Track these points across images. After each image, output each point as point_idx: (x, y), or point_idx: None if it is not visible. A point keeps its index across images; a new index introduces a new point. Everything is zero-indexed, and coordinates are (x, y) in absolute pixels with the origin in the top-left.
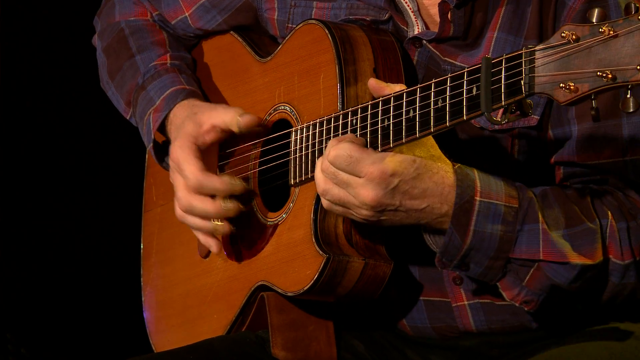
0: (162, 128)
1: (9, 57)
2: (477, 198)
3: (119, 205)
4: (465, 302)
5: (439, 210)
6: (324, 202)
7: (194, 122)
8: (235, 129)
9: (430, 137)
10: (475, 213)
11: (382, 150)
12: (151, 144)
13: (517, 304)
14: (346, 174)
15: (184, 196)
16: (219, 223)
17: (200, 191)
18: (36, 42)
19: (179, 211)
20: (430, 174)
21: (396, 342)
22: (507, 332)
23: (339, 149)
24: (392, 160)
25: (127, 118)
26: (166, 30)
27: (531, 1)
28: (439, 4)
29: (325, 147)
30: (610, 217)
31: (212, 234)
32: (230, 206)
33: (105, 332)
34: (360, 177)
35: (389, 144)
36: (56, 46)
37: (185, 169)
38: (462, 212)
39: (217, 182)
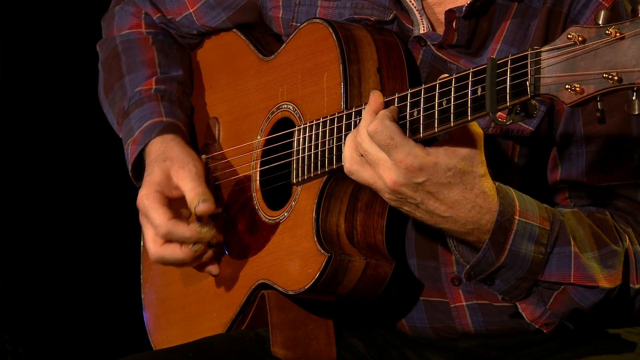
0: (141, 157)
1: (9, 56)
2: (517, 217)
3: (120, 203)
4: (464, 303)
5: (467, 226)
6: (352, 177)
7: (163, 172)
8: (191, 210)
9: (482, 152)
10: (513, 232)
11: None
12: (130, 174)
13: (536, 326)
14: (377, 152)
15: (153, 249)
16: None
17: (170, 239)
18: (36, 41)
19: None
20: (463, 188)
21: (396, 342)
22: (506, 334)
23: (384, 125)
24: (426, 158)
25: (120, 137)
26: (158, 43)
27: (537, 15)
28: (446, 12)
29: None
30: (627, 240)
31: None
32: (198, 248)
33: (104, 330)
34: (390, 159)
35: None
36: (56, 44)
37: (153, 217)
38: (500, 230)
39: (186, 230)
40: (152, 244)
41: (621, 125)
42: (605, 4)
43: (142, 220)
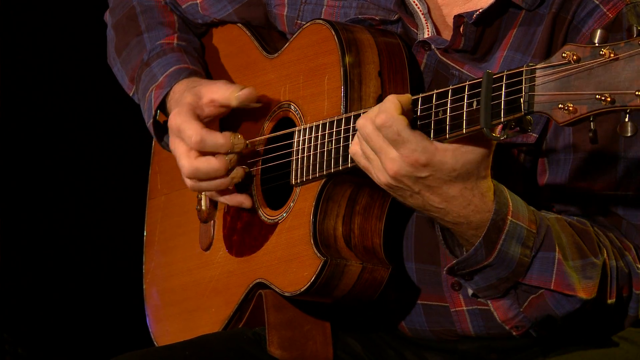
0: (163, 106)
1: (9, 50)
2: (509, 217)
3: (124, 193)
4: (464, 308)
5: (457, 219)
6: (351, 149)
7: (193, 93)
8: (233, 102)
9: (491, 156)
10: (505, 232)
11: None
12: (151, 120)
13: (507, 327)
14: (383, 144)
15: (187, 163)
16: (235, 171)
17: (203, 147)
18: (36, 34)
19: (189, 182)
20: (463, 187)
21: (394, 343)
22: (506, 337)
23: (392, 119)
24: (434, 156)
25: (130, 95)
26: (177, 14)
27: (544, 21)
28: (455, 17)
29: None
30: (605, 254)
31: (233, 192)
32: (233, 157)
33: (104, 329)
34: (397, 152)
35: None
36: (56, 35)
37: (185, 128)
38: (494, 229)
39: (219, 136)
40: (186, 159)
41: (610, 136)
42: (610, 15)
43: (174, 141)
